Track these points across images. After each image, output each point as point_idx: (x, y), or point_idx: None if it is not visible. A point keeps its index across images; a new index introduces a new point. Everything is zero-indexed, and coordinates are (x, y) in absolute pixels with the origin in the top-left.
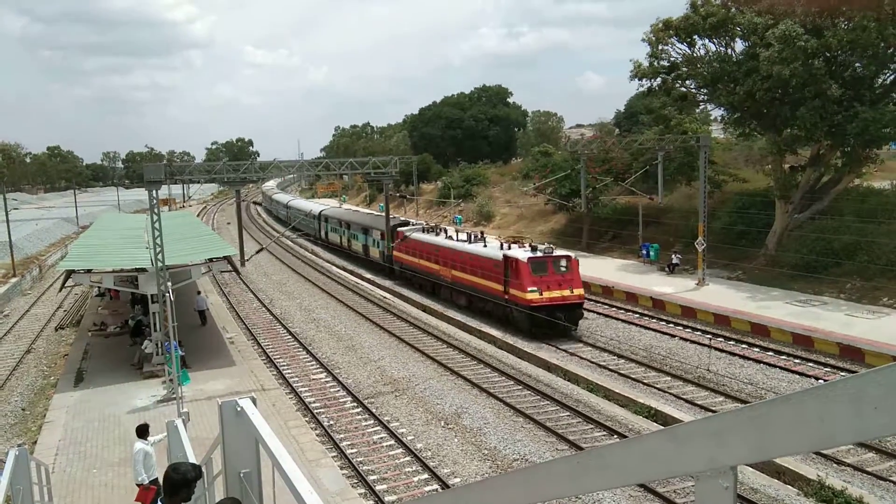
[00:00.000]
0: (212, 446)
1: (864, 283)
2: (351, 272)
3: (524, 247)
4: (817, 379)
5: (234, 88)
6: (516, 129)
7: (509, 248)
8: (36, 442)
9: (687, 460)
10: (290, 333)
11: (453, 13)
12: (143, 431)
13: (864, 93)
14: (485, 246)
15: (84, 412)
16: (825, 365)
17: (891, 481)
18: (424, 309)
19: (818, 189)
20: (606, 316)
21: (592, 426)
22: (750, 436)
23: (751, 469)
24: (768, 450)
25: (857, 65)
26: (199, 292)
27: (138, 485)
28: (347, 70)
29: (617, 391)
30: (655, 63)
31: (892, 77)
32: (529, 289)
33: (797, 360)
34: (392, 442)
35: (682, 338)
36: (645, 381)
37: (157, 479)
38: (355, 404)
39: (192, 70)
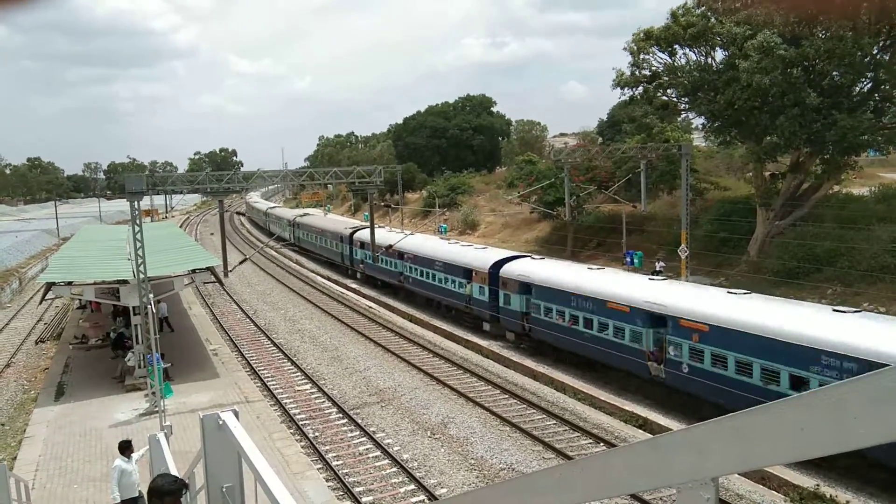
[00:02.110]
0: (193, 461)
1: (846, 288)
2: (335, 282)
3: None
4: None
5: (218, 98)
6: (500, 139)
7: None
8: (16, 458)
9: (668, 471)
10: (275, 344)
11: (437, 23)
12: (124, 448)
13: (841, 101)
14: None
15: (65, 427)
16: None
17: (875, 486)
18: (410, 318)
19: (799, 196)
20: None
21: (579, 434)
22: (731, 446)
23: (736, 475)
24: (749, 461)
25: (834, 74)
26: (158, 301)
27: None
28: (331, 79)
29: (602, 398)
30: (637, 72)
31: (868, 85)
32: None
33: None
34: (378, 453)
35: None
36: (630, 388)
37: (136, 497)
38: (341, 415)
39: (175, 80)
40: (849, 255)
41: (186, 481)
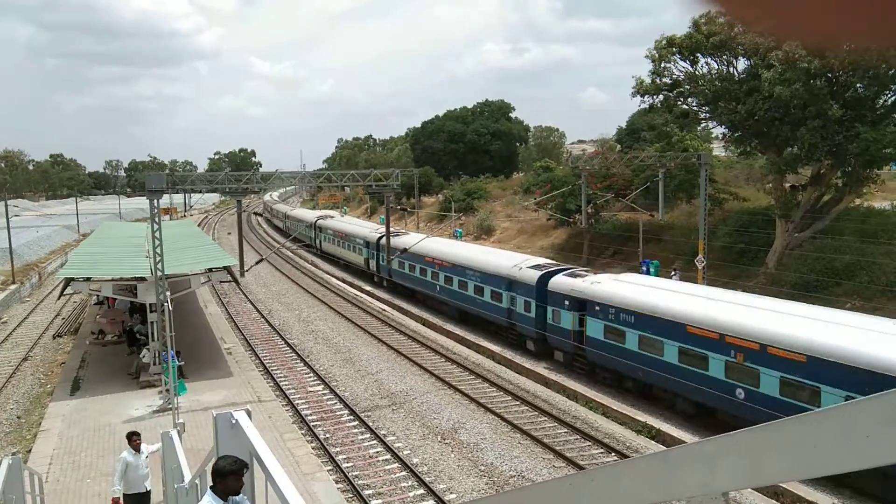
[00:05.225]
0: (205, 459)
1: (865, 303)
2: (350, 284)
3: None
4: None
5: (240, 99)
6: (518, 144)
7: None
8: (30, 451)
9: (679, 485)
10: (288, 345)
11: (458, 29)
12: (130, 438)
13: (865, 113)
14: None
15: (80, 421)
16: None
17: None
18: (423, 322)
19: (819, 208)
20: None
21: (590, 443)
22: (742, 462)
23: (748, 489)
24: (760, 476)
25: (858, 86)
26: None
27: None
28: (352, 83)
29: (615, 408)
30: (658, 80)
31: (892, 98)
32: None
33: None
34: (388, 456)
35: None
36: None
37: (142, 493)
38: (352, 417)
39: (198, 80)
40: (869, 270)
41: (247, 462)
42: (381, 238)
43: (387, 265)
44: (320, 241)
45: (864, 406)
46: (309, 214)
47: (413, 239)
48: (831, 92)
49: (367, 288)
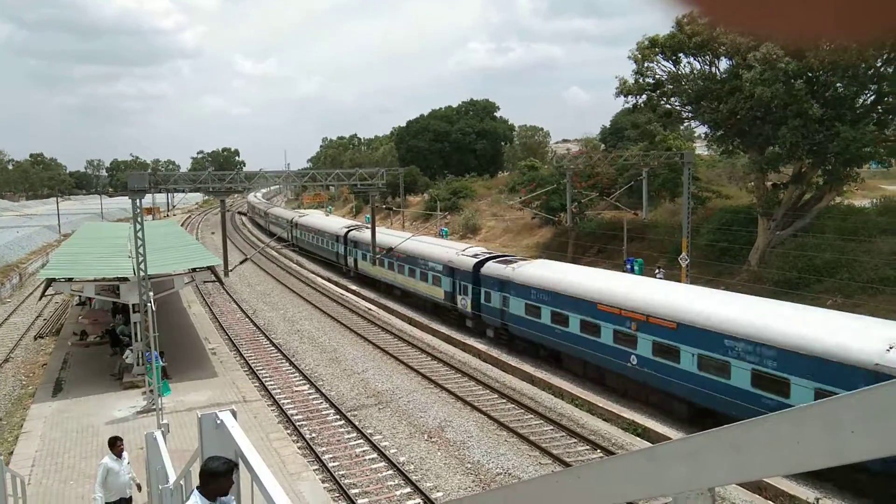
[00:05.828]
0: (190, 459)
1: (845, 299)
2: (335, 283)
3: None
4: None
5: (223, 98)
6: (503, 143)
7: None
8: (12, 453)
9: (664, 481)
10: (274, 344)
11: (443, 28)
12: (112, 444)
13: (844, 112)
14: None
15: (62, 423)
16: None
17: (871, 496)
18: (410, 321)
19: (800, 206)
20: None
21: (576, 440)
22: (727, 458)
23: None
24: (745, 472)
25: (837, 85)
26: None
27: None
28: (336, 82)
29: (601, 405)
30: (641, 80)
31: (872, 97)
32: None
33: None
34: (375, 455)
35: None
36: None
37: (124, 499)
38: (338, 417)
39: (180, 79)
40: (849, 267)
41: (237, 461)
42: (481, 265)
43: (498, 308)
44: (355, 260)
45: (847, 402)
46: (332, 224)
47: (548, 271)
48: (811, 92)
49: (353, 287)
